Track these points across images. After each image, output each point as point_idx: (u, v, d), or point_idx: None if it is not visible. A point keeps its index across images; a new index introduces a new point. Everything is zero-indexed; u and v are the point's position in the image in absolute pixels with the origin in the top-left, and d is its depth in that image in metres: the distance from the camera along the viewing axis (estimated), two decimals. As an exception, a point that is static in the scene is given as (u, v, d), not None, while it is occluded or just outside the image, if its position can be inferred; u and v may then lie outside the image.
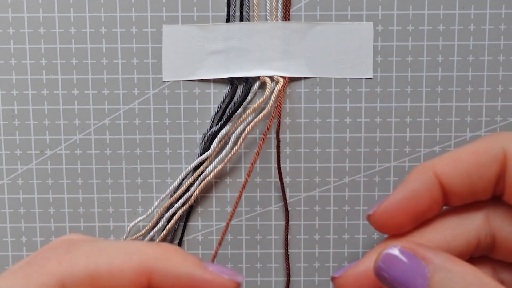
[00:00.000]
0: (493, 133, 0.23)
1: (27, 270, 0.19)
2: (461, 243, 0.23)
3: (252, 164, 0.32)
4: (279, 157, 0.35)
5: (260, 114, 0.35)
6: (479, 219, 0.23)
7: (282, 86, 0.35)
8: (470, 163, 0.22)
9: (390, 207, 0.22)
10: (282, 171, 0.36)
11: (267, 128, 0.34)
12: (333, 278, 0.24)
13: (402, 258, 0.20)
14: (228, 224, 0.25)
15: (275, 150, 0.36)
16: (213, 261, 0.25)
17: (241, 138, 0.35)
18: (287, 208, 0.36)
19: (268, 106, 0.35)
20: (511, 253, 0.23)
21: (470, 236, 0.23)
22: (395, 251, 0.20)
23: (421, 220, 0.23)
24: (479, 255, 0.24)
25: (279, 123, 0.35)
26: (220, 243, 0.25)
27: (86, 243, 0.19)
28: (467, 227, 0.23)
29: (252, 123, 0.35)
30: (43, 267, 0.18)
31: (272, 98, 0.35)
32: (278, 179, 0.36)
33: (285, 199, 0.36)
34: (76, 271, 0.18)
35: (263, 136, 0.34)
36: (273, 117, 0.34)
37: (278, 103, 0.34)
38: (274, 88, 0.35)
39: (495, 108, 0.36)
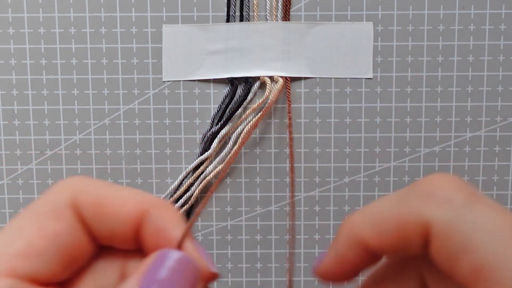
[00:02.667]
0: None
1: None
2: None
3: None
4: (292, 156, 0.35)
5: (259, 114, 0.35)
6: (413, 279, 0.23)
7: (281, 85, 0.35)
8: (393, 233, 0.21)
9: (327, 267, 0.24)
10: (281, 171, 0.36)
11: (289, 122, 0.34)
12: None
13: None
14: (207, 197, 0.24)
15: (275, 150, 0.36)
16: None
17: (241, 138, 0.35)
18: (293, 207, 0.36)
19: (266, 106, 0.35)
20: None
21: None
22: None
23: (359, 270, 0.23)
24: None
25: (290, 120, 0.35)
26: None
27: (99, 180, 0.23)
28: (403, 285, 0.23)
29: (252, 122, 0.35)
30: (62, 182, 0.22)
31: (271, 97, 0.35)
32: (278, 179, 0.36)
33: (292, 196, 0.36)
34: (88, 192, 0.22)
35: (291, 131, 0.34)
36: (290, 118, 0.34)
37: (288, 103, 0.34)
38: (273, 88, 0.35)
39: (495, 108, 0.36)
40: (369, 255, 0.22)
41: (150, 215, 0.22)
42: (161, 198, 0.23)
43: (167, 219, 0.23)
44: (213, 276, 0.23)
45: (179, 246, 0.22)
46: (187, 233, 0.22)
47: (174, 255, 0.21)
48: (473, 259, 0.18)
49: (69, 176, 0.25)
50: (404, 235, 0.21)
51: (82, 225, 0.23)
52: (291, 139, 0.35)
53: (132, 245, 0.24)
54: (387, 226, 0.21)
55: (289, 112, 0.35)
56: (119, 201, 0.23)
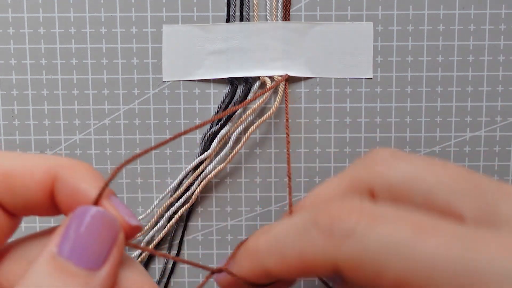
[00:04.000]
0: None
1: None
2: None
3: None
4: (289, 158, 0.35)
5: (266, 114, 0.35)
6: None
7: (285, 85, 0.35)
8: (299, 268, 0.20)
9: (226, 284, 0.24)
10: (281, 171, 0.36)
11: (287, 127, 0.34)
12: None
13: None
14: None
15: (275, 150, 0.36)
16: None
17: (244, 138, 0.35)
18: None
19: (273, 107, 0.35)
20: None
21: None
22: None
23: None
24: None
25: (287, 121, 0.35)
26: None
27: (6, 152, 0.23)
28: None
29: (257, 123, 0.35)
30: None
31: (277, 99, 0.35)
32: (278, 179, 0.36)
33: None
34: None
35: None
36: (287, 119, 0.34)
37: (286, 103, 0.35)
38: (275, 88, 0.35)
39: (495, 108, 0.36)
40: (272, 278, 0.22)
41: (61, 179, 0.21)
42: (75, 159, 0.22)
43: (80, 179, 0.21)
44: (134, 230, 0.22)
45: (96, 203, 0.21)
46: (103, 190, 0.21)
47: (90, 212, 0.21)
48: (390, 279, 0.18)
49: None
50: (310, 270, 0.20)
51: None
52: (288, 142, 0.35)
53: (52, 212, 0.23)
54: (293, 261, 0.20)
55: (286, 114, 0.35)
56: (27, 171, 0.22)
